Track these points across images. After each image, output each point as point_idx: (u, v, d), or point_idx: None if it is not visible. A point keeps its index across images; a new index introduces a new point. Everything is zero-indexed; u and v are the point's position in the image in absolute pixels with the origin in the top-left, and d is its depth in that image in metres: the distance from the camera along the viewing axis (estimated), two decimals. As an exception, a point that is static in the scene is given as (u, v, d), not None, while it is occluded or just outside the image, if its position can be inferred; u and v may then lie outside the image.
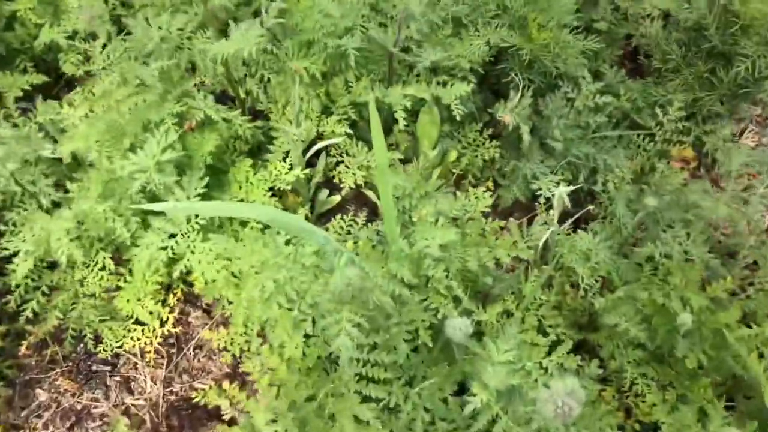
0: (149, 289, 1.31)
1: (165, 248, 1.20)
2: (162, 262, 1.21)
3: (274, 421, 1.08)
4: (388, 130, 1.58)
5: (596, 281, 1.13)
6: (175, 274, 1.20)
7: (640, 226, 1.30)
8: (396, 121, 1.48)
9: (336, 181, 1.46)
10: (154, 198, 1.25)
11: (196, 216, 1.21)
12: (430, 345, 1.01)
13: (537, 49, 1.45)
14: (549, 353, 1.02)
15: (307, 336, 1.11)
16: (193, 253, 1.20)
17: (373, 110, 0.92)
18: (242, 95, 1.42)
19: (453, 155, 1.49)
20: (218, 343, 1.28)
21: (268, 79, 1.39)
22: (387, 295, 0.99)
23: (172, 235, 1.21)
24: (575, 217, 1.24)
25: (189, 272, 1.35)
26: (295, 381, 1.10)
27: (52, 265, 1.37)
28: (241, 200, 1.28)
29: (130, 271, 1.34)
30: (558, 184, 1.40)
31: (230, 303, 1.28)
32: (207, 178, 1.23)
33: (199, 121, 1.28)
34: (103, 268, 1.33)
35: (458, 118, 1.40)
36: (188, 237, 1.21)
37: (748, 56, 1.44)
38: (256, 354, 1.23)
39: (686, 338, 1.05)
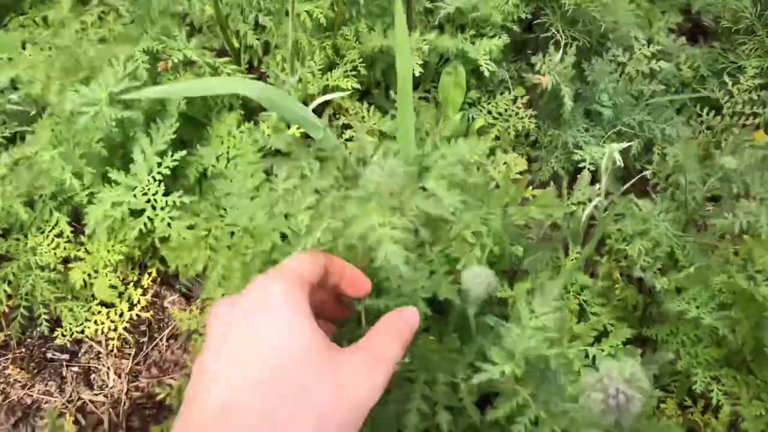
0: (112, 260, 1.10)
1: (120, 203, 0.99)
2: (118, 221, 1.00)
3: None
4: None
5: (655, 260, 0.88)
6: (132, 233, 0.99)
7: (710, 199, 1.05)
8: (414, 87, 1.27)
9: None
10: (113, 148, 1.05)
11: (159, 165, 1.00)
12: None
13: (583, -1, 1.22)
14: (597, 341, 0.77)
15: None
16: (154, 208, 0.99)
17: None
18: (236, 45, 1.22)
19: (480, 122, 1.26)
20: (188, 325, 1.06)
21: (263, 26, 1.19)
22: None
23: (132, 188, 1.00)
24: (630, 182, 1.00)
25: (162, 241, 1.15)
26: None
27: (5, 233, 1.18)
28: (223, 155, 1.07)
29: (92, 240, 1.13)
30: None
31: (201, 273, 1.06)
32: (177, 124, 1.02)
33: (176, 62, 1.08)
34: (59, 235, 1.13)
35: (487, 74, 1.18)
36: (149, 190, 1.00)
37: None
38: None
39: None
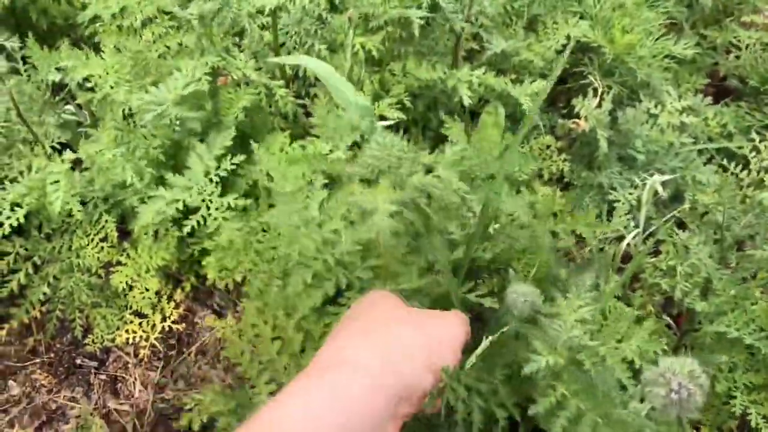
0: (153, 264, 1.12)
1: (176, 201, 1.01)
2: (170, 220, 1.02)
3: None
4: (443, 137, 1.41)
5: (693, 285, 0.90)
6: (186, 229, 1.01)
7: (740, 243, 1.08)
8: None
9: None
10: (171, 153, 1.09)
11: (217, 168, 1.03)
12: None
13: (621, 50, 1.28)
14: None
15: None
16: (208, 207, 1.02)
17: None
18: (288, 71, 1.27)
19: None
20: (223, 332, 1.07)
21: (318, 51, 1.25)
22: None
23: (188, 189, 1.03)
24: (665, 218, 1.04)
25: (199, 262, 1.17)
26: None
27: (50, 236, 1.20)
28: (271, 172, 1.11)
29: (135, 247, 1.15)
30: (638, 199, 1.20)
31: (242, 282, 1.08)
32: (234, 132, 1.06)
33: (236, 79, 1.13)
34: (104, 239, 1.15)
35: (527, 112, 1.23)
36: (205, 190, 1.03)
37: None
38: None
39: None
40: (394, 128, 1.37)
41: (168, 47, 1.16)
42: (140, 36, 1.17)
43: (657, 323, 1.01)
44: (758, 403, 0.86)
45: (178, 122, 0.99)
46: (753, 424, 0.83)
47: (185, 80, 0.98)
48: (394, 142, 0.67)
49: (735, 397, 0.86)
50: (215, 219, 1.01)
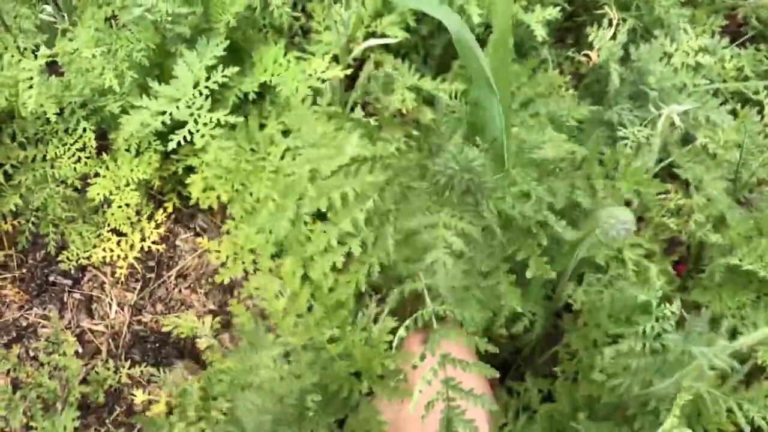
0: (134, 178, 1.05)
1: (162, 113, 0.94)
2: (154, 133, 0.95)
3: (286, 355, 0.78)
4: (446, 65, 1.34)
5: (707, 218, 0.86)
6: (171, 144, 0.94)
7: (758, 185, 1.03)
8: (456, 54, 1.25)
9: (378, 105, 1.21)
10: (157, 60, 1.01)
11: (207, 79, 0.96)
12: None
13: (639, -21, 1.21)
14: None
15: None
16: (196, 122, 0.94)
17: None
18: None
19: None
20: (216, 255, 1.01)
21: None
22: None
23: (176, 100, 0.96)
24: (685, 149, 0.98)
25: (182, 181, 1.11)
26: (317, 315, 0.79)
27: (23, 145, 1.12)
28: (266, 83, 1.04)
29: (114, 159, 1.08)
30: (648, 137, 1.14)
31: (228, 202, 1.02)
32: (227, 42, 0.98)
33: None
34: (82, 149, 1.07)
35: (540, 39, 1.16)
36: (193, 103, 0.95)
37: None
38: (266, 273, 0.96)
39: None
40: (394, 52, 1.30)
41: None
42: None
43: (662, 262, 0.97)
44: (764, 343, 0.82)
45: (169, 18, 0.91)
46: (759, 362, 0.79)
47: (172, -28, 0.90)
48: (471, 156, 0.57)
49: (741, 333, 0.82)
50: (203, 136, 0.94)
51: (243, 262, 0.98)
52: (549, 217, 0.71)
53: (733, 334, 0.85)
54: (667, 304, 0.72)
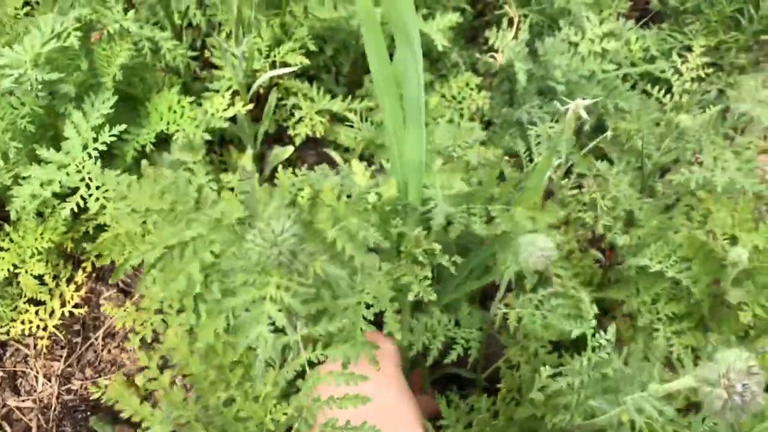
0: (41, 248, 1.01)
1: (51, 182, 0.90)
2: (50, 202, 0.91)
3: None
4: (357, 82, 1.32)
5: (615, 219, 0.86)
6: (63, 214, 0.90)
7: (664, 171, 1.04)
8: (366, 69, 1.23)
9: (290, 133, 1.19)
10: (47, 122, 0.97)
11: (95, 140, 0.92)
12: (397, 335, 0.71)
13: (534, -25, 1.21)
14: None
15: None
16: (88, 186, 0.91)
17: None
18: (177, 20, 1.15)
19: (434, 101, 1.23)
20: (123, 322, 0.97)
21: (207, 5, 1.13)
22: (338, 264, 0.64)
23: (64, 166, 0.92)
24: (588, 147, 0.98)
25: (96, 239, 1.06)
26: (209, 378, 0.75)
27: None
28: (161, 133, 1.00)
29: (17, 229, 1.04)
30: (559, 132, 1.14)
31: (137, 267, 0.98)
32: (115, 98, 0.94)
33: (112, 33, 1.00)
34: (-19, 223, 1.03)
35: (440, 48, 1.15)
36: (83, 167, 0.91)
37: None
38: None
39: (738, 285, 0.78)
40: (305, 78, 1.28)
41: (28, 2, 1.02)
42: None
43: (583, 258, 0.97)
44: (680, 333, 0.82)
45: (40, 87, 0.87)
46: (675, 354, 0.80)
47: (44, 37, 0.86)
48: (286, 228, 0.54)
49: (658, 330, 0.82)
50: (97, 199, 0.90)
51: (152, 323, 0.95)
52: (435, 247, 0.70)
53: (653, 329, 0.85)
54: (602, 333, 0.71)
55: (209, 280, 0.62)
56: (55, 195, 0.96)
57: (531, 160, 1.06)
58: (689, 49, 1.28)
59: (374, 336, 0.75)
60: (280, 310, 0.53)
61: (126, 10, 1.08)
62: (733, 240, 0.85)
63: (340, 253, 0.59)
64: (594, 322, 0.72)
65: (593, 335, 0.71)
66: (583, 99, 1.14)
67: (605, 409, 0.68)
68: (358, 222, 0.66)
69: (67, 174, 0.90)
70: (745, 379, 0.49)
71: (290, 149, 1.18)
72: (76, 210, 0.91)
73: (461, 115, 1.28)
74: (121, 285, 1.17)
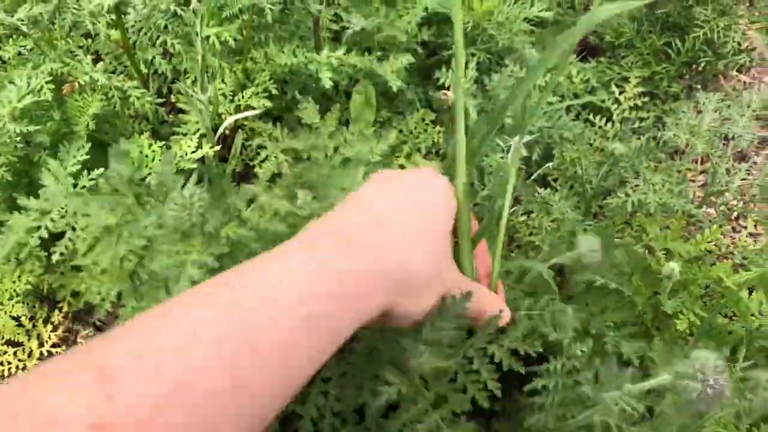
0: (18, 290, 1.05)
1: (37, 228, 0.95)
2: (32, 249, 0.96)
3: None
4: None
5: (560, 240, 0.94)
6: (55, 257, 0.95)
7: (605, 194, 1.12)
8: (326, 108, 1.30)
9: (257, 170, 1.26)
10: (23, 170, 1.02)
11: (74, 186, 0.98)
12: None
13: (479, 17, 1.30)
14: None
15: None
16: (74, 229, 0.96)
17: None
18: (144, 69, 1.22)
19: (392, 137, 1.30)
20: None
21: (172, 54, 1.20)
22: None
23: (46, 213, 0.97)
24: (532, 177, 1.06)
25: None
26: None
27: None
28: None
29: (-4, 273, 1.08)
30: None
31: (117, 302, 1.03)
32: (89, 145, 1.00)
33: (83, 85, 1.07)
34: (-42, 270, 1.07)
35: (395, 89, 1.23)
36: (67, 213, 0.97)
37: (703, 24, 1.33)
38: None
39: (673, 297, 0.86)
40: (270, 118, 1.35)
41: (0, 57, 1.08)
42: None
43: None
44: (626, 337, 0.90)
45: (18, 138, 0.93)
46: (625, 356, 0.87)
47: (20, 92, 0.92)
48: (196, 195, 0.62)
49: (607, 335, 0.89)
50: (84, 239, 0.95)
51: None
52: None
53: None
54: (579, 344, 0.78)
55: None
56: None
57: (484, 187, 1.14)
58: (626, 80, 1.39)
59: None
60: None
61: (95, 62, 1.15)
62: (668, 254, 0.93)
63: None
64: (572, 333, 0.79)
65: (569, 346, 0.77)
66: (531, 134, 1.23)
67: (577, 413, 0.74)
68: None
69: (52, 220, 0.95)
70: (717, 375, 0.58)
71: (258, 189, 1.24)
72: (64, 251, 0.96)
73: (418, 149, 1.37)
74: (98, 324, 1.21)
